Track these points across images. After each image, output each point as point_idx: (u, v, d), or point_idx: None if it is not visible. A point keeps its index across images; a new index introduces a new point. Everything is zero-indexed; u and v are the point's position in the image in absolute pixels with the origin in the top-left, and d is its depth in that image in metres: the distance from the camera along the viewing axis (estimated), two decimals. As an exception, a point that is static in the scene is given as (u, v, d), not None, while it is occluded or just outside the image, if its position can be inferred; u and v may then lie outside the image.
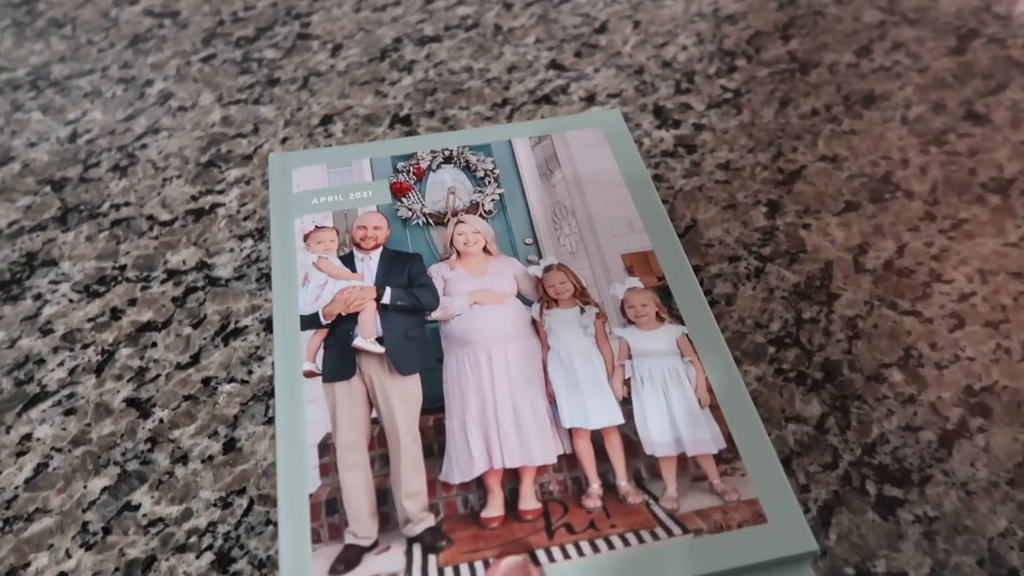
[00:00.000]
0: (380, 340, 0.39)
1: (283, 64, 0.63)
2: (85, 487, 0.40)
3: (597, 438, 0.35)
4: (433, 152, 0.48)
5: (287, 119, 0.58)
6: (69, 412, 0.43)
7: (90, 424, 0.42)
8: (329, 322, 0.39)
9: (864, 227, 0.51)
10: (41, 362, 0.45)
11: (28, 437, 0.42)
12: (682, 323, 0.39)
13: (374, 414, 0.36)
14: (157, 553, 0.38)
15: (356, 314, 0.40)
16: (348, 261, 0.42)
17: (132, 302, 0.47)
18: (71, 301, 0.47)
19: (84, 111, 0.59)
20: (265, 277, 0.49)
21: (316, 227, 0.43)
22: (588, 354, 0.38)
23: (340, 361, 0.38)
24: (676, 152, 0.56)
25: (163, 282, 0.49)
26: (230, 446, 0.42)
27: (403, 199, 0.45)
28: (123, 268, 0.49)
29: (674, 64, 0.62)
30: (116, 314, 0.47)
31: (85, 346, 0.45)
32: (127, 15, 0.67)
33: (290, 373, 0.38)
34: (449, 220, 0.44)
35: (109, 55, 0.64)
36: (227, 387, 0.44)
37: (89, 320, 0.47)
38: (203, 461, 0.41)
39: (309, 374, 0.38)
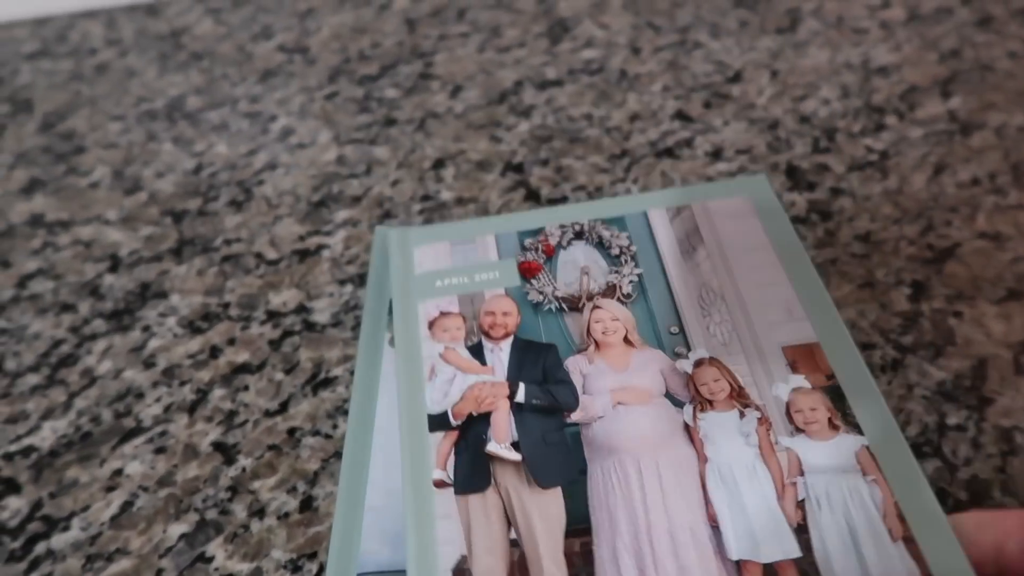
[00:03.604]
0: (515, 446, 0.35)
1: (402, 104, 0.63)
2: (164, 531, 0.40)
3: (770, 573, 0.30)
4: (563, 227, 0.44)
5: (400, 161, 0.58)
6: (159, 450, 0.43)
7: (177, 465, 0.42)
8: (459, 423, 0.36)
9: (1029, 321, 0.44)
10: (140, 396, 0.45)
11: (119, 472, 0.42)
12: (860, 432, 0.33)
13: (512, 534, 0.33)
14: (223, 613, 0.37)
15: (487, 415, 0.36)
16: (477, 352, 0.39)
17: (231, 341, 0.48)
18: (175, 336, 0.48)
19: (210, 144, 0.61)
20: (359, 326, 0.48)
21: (441, 313, 0.40)
22: (753, 468, 0.33)
23: (473, 469, 0.34)
24: (809, 218, 0.51)
25: (263, 323, 0.48)
26: (307, 504, 0.40)
27: (533, 280, 0.41)
28: (227, 305, 0.50)
29: (813, 120, 0.57)
30: (215, 352, 0.47)
31: (183, 383, 0.46)
32: (261, 50, 0.70)
33: (419, 482, 0.34)
34: (584, 305, 0.40)
35: (240, 89, 0.66)
36: (310, 440, 0.43)
37: (189, 356, 0.47)
38: (279, 517, 0.40)
39: (439, 484, 0.34)
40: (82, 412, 0.45)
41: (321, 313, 0.49)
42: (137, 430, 0.44)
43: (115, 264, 0.52)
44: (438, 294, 0.41)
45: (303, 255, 0.52)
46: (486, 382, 0.37)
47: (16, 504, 0.41)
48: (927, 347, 0.43)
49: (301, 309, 0.49)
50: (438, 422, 0.36)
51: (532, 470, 0.34)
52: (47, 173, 0.59)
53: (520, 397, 0.37)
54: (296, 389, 0.45)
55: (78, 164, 0.60)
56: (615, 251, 0.43)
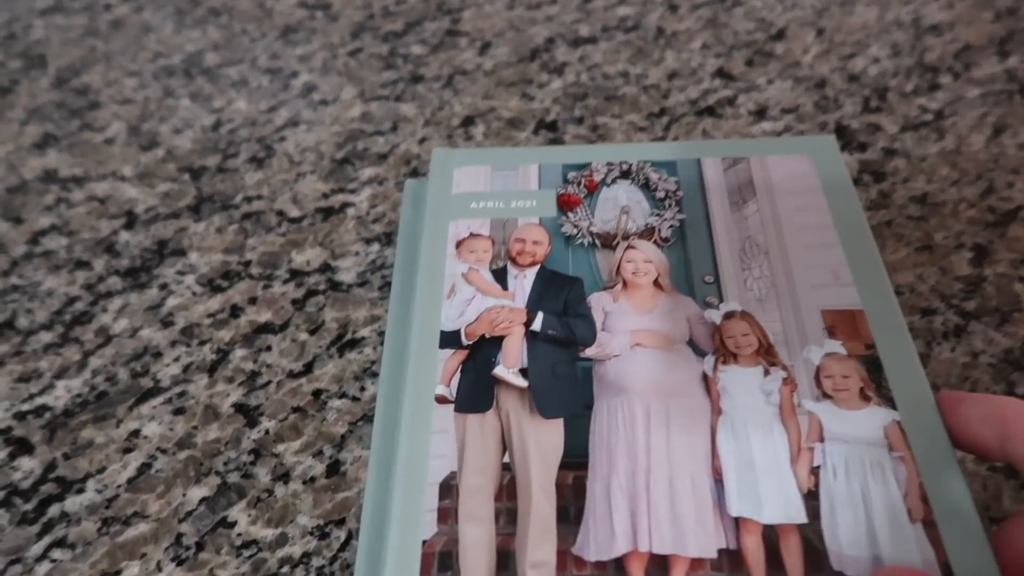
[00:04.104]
0: (524, 372, 0.34)
1: (429, 61, 0.60)
2: (184, 495, 0.38)
3: (770, 536, 0.29)
4: (610, 164, 0.42)
5: (427, 118, 0.55)
6: (178, 411, 0.41)
7: (197, 427, 0.40)
8: (470, 343, 0.35)
9: (1102, 287, 0.41)
10: (158, 355, 0.43)
11: (136, 434, 0.40)
12: (893, 406, 0.31)
13: (506, 458, 0.32)
14: (246, 580, 0.35)
15: (501, 339, 0.35)
16: (500, 277, 0.38)
17: (252, 300, 0.45)
18: (194, 294, 0.46)
19: (230, 100, 0.58)
20: (387, 286, 0.45)
21: (471, 234, 0.39)
22: (769, 428, 0.31)
23: (476, 390, 0.34)
24: (861, 180, 0.48)
25: (285, 282, 0.46)
26: (334, 469, 0.38)
27: (570, 214, 0.40)
28: (248, 264, 0.47)
29: (863, 79, 0.54)
30: (235, 312, 0.45)
31: (202, 342, 0.44)
32: (281, 6, 0.67)
33: (421, 394, 0.34)
34: (618, 243, 0.39)
35: (260, 45, 0.63)
36: (337, 403, 0.40)
37: (209, 315, 0.45)
38: (305, 482, 0.38)
39: (441, 399, 0.33)
40: (97, 371, 0.43)
41: (347, 272, 0.46)
42: (155, 390, 0.42)
43: (131, 221, 0.50)
44: (471, 215, 0.40)
45: (327, 213, 0.50)
46: (504, 306, 0.36)
47: (29, 465, 0.39)
48: (992, 313, 0.41)
49: (326, 268, 0.47)
50: (449, 339, 0.35)
51: (536, 399, 0.33)
52: (61, 129, 0.57)
53: (536, 326, 0.35)
54: (321, 350, 0.43)
55: (93, 120, 0.58)
56: (660, 194, 0.41)
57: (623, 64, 0.58)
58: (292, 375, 0.42)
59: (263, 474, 0.38)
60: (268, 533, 0.36)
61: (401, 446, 0.32)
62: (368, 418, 0.40)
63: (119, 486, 0.38)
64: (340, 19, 0.65)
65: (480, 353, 0.35)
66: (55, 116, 0.58)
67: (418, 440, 0.32)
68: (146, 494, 0.38)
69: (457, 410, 0.33)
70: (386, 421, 0.35)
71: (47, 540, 0.37)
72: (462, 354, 0.35)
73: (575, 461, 0.31)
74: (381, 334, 0.43)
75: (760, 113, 0.53)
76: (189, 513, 0.37)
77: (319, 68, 0.60)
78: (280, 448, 0.39)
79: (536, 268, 0.38)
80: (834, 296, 0.35)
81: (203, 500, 0.38)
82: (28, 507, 0.38)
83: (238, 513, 0.37)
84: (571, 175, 0.42)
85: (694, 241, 0.39)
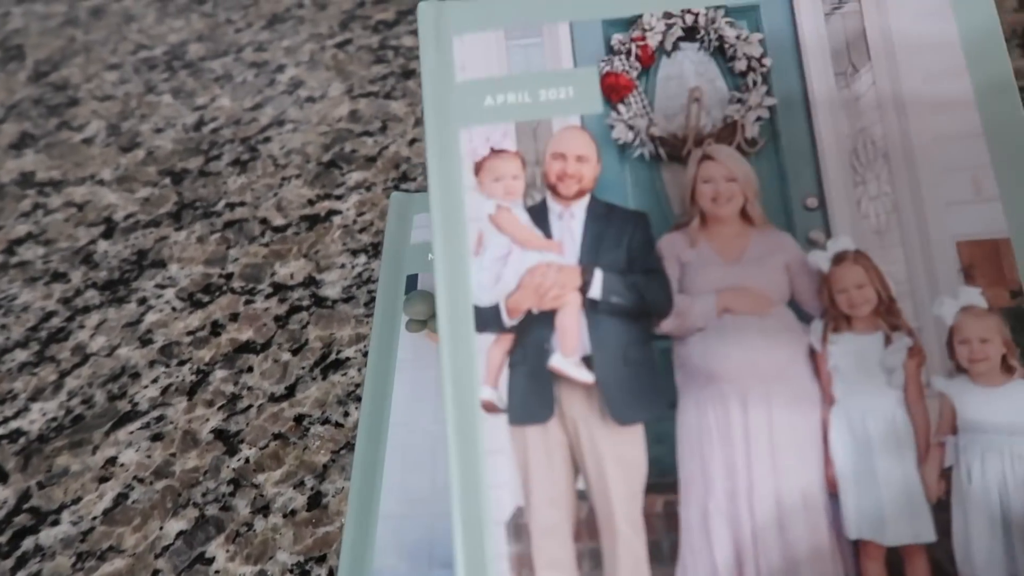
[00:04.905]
0: (587, 362, 0.26)
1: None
2: (161, 528, 0.37)
3: (893, 559, 0.24)
4: (668, 16, 0.30)
5: (418, 117, 0.53)
6: (156, 437, 0.39)
7: (175, 454, 0.39)
8: (515, 323, 0.27)
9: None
10: (136, 376, 0.42)
11: (112, 461, 0.39)
12: None
13: (579, 483, 0.26)
14: (223, 622, 0.34)
15: (552, 314, 0.27)
16: (540, 216, 0.28)
17: (234, 317, 0.44)
18: (174, 309, 0.44)
19: (213, 96, 0.56)
20: (374, 301, 0.44)
21: (493, 151, 0.29)
22: (892, 419, 0.25)
23: (532, 391, 0.26)
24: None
25: (268, 296, 0.44)
26: (315, 501, 0.37)
27: (621, 106, 0.29)
28: (230, 277, 0.46)
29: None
30: (216, 329, 0.43)
31: (181, 362, 0.42)
32: (268, -7, 0.64)
33: (464, 402, 0.26)
34: (691, 152, 0.28)
35: (245, 35, 0.60)
36: (319, 429, 0.39)
37: (189, 333, 0.43)
38: (285, 515, 0.36)
39: (489, 407, 0.26)
40: (73, 393, 0.41)
41: (332, 287, 0.45)
42: (132, 414, 0.40)
43: (110, 229, 0.48)
44: (488, 118, 0.29)
45: (312, 221, 0.48)
46: (551, 264, 0.27)
47: (3, 494, 0.38)
48: None
49: (310, 282, 0.45)
50: (487, 319, 0.27)
51: (608, 398, 0.26)
52: (39, 127, 0.55)
53: (595, 291, 0.27)
54: (304, 371, 0.41)
55: (72, 117, 0.55)
56: (741, 64, 0.29)
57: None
58: (274, 399, 0.40)
59: (242, 506, 0.37)
60: (247, 570, 0.35)
61: (452, 478, 0.26)
62: (351, 446, 0.38)
63: (95, 518, 0.37)
64: (329, 7, 0.62)
65: (529, 337, 0.27)
66: (32, 113, 0.56)
67: (471, 466, 0.25)
68: (122, 527, 0.37)
69: (512, 422, 0.26)
70: (367, 455, 0.34)
71: (21, 575, 0.36)
72: (507, 340, 0.27)
73: (662, 482, 0.25)
74: (366, 354, 0.42)
75: None
76: (166, 548, 0.36)
77: (306, 61, 0.58)
78: (260, 478, 0.38)
79: (586, 199, 0.28)
80: (973, 219, 0.26)
81: (180, 534, 0.36)
82: (1, 539, 0.37)
83: (216, 548, 0.36)
84: (616, 38, 0.30)
85: (790, 140, 0.28)
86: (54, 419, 0.40)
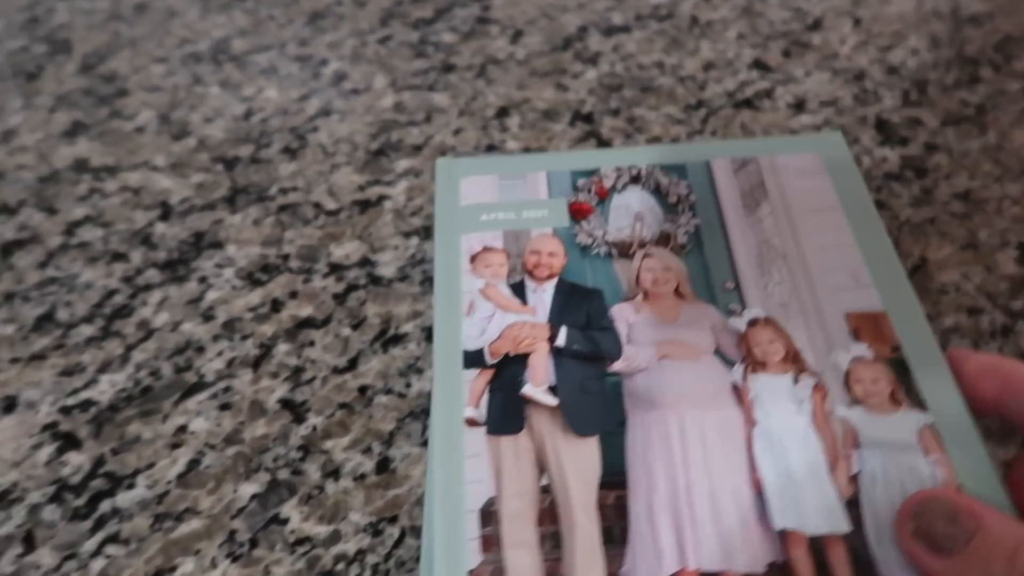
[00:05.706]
0: (553, 390, 0.34)
1: (460, 49, 0.59)
2: (235, 491, 0.38)
3: (816, 548, 0.29)
4: (619, 169, 0.41)
5: (461, 109, 0.55)
6: (224, 407, 0.41)
7: (244, 423, 0.40)
8: (495, 362, 0.34)
9: None
10: (201, 350, 0.43)
11: (183, 429, 0.40)
12: (923, 409, 0.31)
13: (543, 480, 0.31)
14: (302, 578, 0.35)
15: (526, 356, 0.35)
16: (519, 291, 0.37)
17: (293, 294, 0.45)
18: (234, 288, 0.46)
19: (260, 88, 0.58)
20: (429, 281, 0.45)
21: (484, 248, 0.38)
22: (804, 436, 0.31)
23: (507, 410, 0.33)
24: (903, 175, 0.48)
25: (325, 276, 0.46)
26: (383, 466, 0.38)
27: (583, 222, 0.39)
28: (286, 257, 0.47)
29: (902, 71, 0.54)
30: (276, 306, 0.45)
31: (244, 337, 0.44)
32: (307, -9, 0.66)
33: (450, 418, 0.33)
34: (635, 252, 0.38)
35: (288, 31, 0.62)
36: (383, 399, 0.40)
37: (250, 309, 0.45)
38: (355, 479, 0.38)
39: (471, 422, 0.33)
40: (140, 365, 0.43)
41: (387, 267, 0.46)
42: (199, 385, 0.42)
43: (166, 212, 0.50)
44: (483, 228, 0.39)
45: (364, 205, 0.49)
46: (526, 322, 0.35)
47: (77, 460, 0.39)
48: (1038, 313, 0.41)
49: (365, 262, 0.47)
50: (473, 359, 0.34)
51: (569, 417, 0.33)
52: (90, 116, 0.56)
53: (561, 341, 0.35)
54: (365, 346, 0.43)
55: (122, 108, 0.57)
56: (672, 199, 0.40)
57: (658, 54, 0.57)
58: (337, 371, 0.42)
59: (313, 471, 0.38)
60: (321, 530, 0.36)
61: (435, 473, 0.31)
62: (415, 415, 0.40)
63: (169, 482, 0.38)
64: (368, 5, 0.64)
65: (507, 372, 0.34)
66: (83, 103, 0.58)
67: (453, 465, 0.32)
68: (196, 490, 0.38)
69: (490, 432, 0.33)
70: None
71: (100, 536, 0.37)
72: (488, 374, 0.34)
73: (614, 480, 0.31)
74: (424, 330, 0.43)
75: (799, 106, 0.52)
76: (241, 510, 0.37)
77: (349, 56, 0.60)
78: (328, 444, 0.39)
79: (554, 281, 0.37)
80: (856, 299, 0.35)
81: (254, 496, 0.38)
82: (79, 502, 0.38)
83: (290, 510, 0.37)
84: (580, 182, 0.41)
85: (711, 246, 0.38)
86: (123, 390, 0.42)
